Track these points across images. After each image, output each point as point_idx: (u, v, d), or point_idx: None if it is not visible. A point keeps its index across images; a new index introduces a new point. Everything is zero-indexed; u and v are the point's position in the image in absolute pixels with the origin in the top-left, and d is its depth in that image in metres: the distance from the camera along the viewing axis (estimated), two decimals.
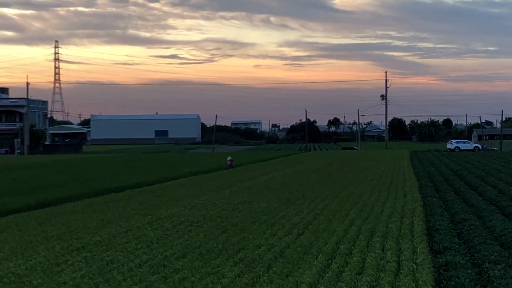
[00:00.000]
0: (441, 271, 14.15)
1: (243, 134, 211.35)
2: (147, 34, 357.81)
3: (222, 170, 51.31)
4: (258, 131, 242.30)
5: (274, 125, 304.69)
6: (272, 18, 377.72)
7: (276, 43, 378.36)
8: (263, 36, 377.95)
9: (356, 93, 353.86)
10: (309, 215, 22.91)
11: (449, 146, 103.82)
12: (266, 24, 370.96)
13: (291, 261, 15.13)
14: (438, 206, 25.29)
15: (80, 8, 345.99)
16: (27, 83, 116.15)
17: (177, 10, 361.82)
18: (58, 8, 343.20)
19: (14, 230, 20.66)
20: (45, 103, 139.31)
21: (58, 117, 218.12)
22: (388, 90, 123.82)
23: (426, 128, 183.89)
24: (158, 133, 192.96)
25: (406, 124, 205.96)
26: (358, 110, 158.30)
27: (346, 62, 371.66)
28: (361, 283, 12.92)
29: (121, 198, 29.93)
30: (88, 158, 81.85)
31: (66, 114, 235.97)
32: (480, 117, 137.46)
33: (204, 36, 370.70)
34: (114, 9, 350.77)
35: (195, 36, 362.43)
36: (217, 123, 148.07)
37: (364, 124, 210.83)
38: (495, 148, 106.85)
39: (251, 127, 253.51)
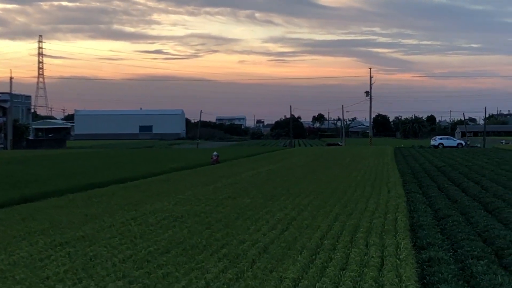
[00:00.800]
0: (425, 266, 14.20)
1: (227, 130, 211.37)
2: (132, 29, 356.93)
3: (207, 166, 51.28)
4: (242, 127, 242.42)
5: (258, 121, 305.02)
6: (257, 14, 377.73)
7: (261, 39, 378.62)
8: (248, 32, 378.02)
9: (340, 89, 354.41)
10: (293, 211, 22.94)
11: (432, 142, 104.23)
12: (251, 20, 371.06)
13: (275, 256, 15.14)
14: (421, 202, 25.38)
15: (64, 3, 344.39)
16: (11, 78, 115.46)
17: (162, 5, 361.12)
18: (41, 3, 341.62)
19: None
20: (28, 97, 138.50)
21: (41, 112, 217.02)
22: (373, 86, 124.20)
23: (410, 124, 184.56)
24: (143, 128, 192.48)
25: (390, 120, 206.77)
26: (342, 106, 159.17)
27: (331, 58, 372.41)
28: (345, 279, 12.95)
29: (105, 193, 29.84)
30: (72, 153, 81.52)
31: (49, 109, 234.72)
32: (463, 113, 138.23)
33: (189, 32, 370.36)
34: (98, 3, 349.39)
35: (180, 31, 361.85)
36: (202, 119, 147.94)
37: (349, 120, 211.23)
38: (479, 145, 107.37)
39: (235, 123, 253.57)
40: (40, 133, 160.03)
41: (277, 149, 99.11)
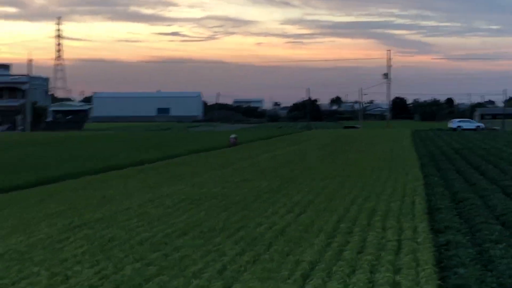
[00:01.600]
0: (442, 250, 14.14)
1: (245, 112, 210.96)
2: (149, 11, 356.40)
3: (224, 148, 51.30)
4: (260, 110, 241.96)
5: (276, 104, 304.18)
6: None
7: (279, 21, 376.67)
8: (265, 14, 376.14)
9: (358, 71, 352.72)
10: (310, 194, 22.91)
11: (451, 125, 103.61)
12: (269, 2, 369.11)
13: (292, 239, 15.14)
14: (439, 185, 25.26)
15: None
16: (29, 60, 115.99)
17: None
18: None
19: (15, 207, 20.72)
20: (47, 80, 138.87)
21: (60, 94, 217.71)
22: (391, 68, 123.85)
23: (428, 107, 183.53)
24: (160, 110, 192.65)
25: (408, 103, 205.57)
26: (360, 88, 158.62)
27: (349, 40, 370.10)
28: (362, 262, 12.93)
29: (122, 176, 29.96)
30: (90, 135, 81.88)
31: (68, 91, 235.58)
32: (482, 96, 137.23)
33: (206, 14, 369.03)
34: None
35: (197, 13, 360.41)
36: (219, 101, 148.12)
37: (366, 103, 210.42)
38: (497, 128, 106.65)
39: (253, 105, 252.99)
40: (58, 115, 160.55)
41: (294, 131, 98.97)
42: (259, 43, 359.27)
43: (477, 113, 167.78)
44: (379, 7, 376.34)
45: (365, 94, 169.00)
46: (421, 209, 19.28)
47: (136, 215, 18.82)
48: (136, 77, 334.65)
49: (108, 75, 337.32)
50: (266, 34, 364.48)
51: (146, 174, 30.62)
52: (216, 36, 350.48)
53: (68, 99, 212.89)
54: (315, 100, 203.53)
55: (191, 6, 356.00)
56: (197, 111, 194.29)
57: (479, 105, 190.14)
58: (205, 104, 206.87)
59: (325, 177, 28.38)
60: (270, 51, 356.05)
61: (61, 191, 24.50)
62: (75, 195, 23.28)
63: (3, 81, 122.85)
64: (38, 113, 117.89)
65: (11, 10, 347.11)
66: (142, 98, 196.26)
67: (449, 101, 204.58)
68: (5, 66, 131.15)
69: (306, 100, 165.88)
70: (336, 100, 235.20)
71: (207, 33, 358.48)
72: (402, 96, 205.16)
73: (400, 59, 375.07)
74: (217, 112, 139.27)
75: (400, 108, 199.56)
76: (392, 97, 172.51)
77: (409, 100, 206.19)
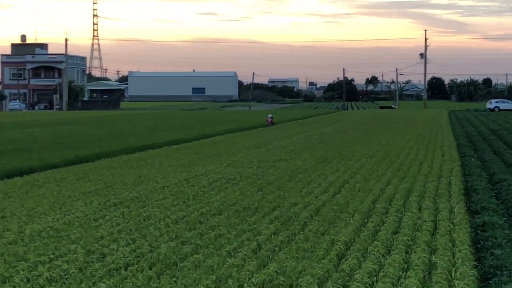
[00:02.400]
0: (478, 231, 14.03)
1: (280, 92, 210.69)
2: None
3: (259, 128, 51.28)
4: (295, 89, 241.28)
5: (311, 83, 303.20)
6: None
7: (315, 0, 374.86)
8: None
9: (395, 51, 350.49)
10: (345, 174, 22.84)
11: (488, 105, 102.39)
12: None
13: (327, 219, 15.12)
14: (476, 166, 25.02)
15: None
16: (66, 39, 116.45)
17: None
18: None
19: (52, 185, 20.92)
20: (83, 59, 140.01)
21: (96, 73, 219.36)
22: (428, 48, 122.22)
23: (466, 87, 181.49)
24: (195, 90, 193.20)
25: (445, 83, 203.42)
26: (396, 68, 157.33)
27: (385, 20, 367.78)
28: (397, 242, 12.87)
29: (158, 155, 30.10)
30: (126, 114, 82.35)
31: (104, 70, 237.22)
32: None
33: None
34: None
35: None
36: (254, 81, 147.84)
37: (403, 83, 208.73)
38: None
39: (288, 85, 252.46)
40: (94, 95, 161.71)
41: (330, 111, 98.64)
42: (294, 23, 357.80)
43: None
44: None
45: (401, 74, 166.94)
46: (457, 190, 19.13)
47: (172, 194, 18.92)
48: (172, 56, 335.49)
49: (143, 55, 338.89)
50: (302, 14, 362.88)
51: (182, 153, 30.73)
52: (252, 16, 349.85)
53: (104, 79, 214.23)
54: (351, 80, 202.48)
55: None
56: (232, 91, 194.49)
57: None
58: (240, 83, 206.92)
59: (360, 157, 28.25)
60: (306, 30, 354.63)
61: (97, 170, 24.70)
62: (111, 174, 23.45)
63: (40, 60, 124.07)
64: (75, 92, 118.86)
65: None
66: (178, 77, 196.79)
67: (487, 81, 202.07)
68: (42, 45, 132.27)
69: (341, 80, 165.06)
70: (372, 80, 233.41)
71: (243, 12, 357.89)
72: (439, 76, 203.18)
73: (437, 39, 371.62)
74: (252, 92, 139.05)
75: (437, 88, 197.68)
76: (428, 77, 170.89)
77: (446, 80, 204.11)
